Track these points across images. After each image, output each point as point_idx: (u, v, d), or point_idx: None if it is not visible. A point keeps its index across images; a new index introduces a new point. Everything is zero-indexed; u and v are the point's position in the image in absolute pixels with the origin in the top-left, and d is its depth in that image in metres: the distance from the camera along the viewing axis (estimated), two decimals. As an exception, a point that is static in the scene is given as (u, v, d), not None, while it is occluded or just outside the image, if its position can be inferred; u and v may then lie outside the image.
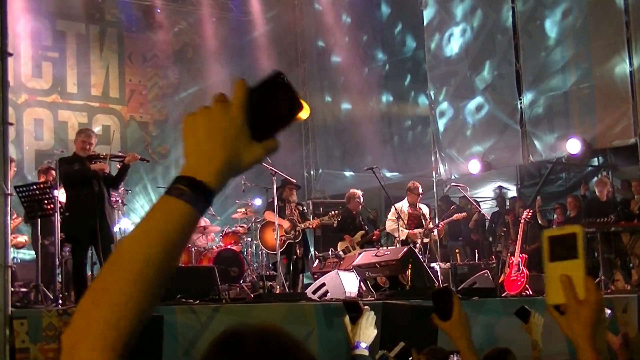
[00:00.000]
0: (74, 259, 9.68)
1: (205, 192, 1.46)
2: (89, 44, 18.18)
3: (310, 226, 13.23)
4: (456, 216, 13.95)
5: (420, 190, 13.48)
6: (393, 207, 13.15)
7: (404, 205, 13.30)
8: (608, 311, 4.63)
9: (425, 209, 13.57)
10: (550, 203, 16.34)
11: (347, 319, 3.18)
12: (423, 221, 13.14)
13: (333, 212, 13.47)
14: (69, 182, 9.79)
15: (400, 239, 12.83)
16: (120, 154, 11.25)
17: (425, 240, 12.99)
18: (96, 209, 9.69)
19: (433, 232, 13.14)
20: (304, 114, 1.53)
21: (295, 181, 13.28)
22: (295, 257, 12.89)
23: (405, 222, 13.01)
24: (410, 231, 12.88)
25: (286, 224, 12.87)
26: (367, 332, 3.15)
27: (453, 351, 5.28)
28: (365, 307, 3.26)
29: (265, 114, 1.49)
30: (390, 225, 13.20)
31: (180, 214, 1.44)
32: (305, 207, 13.67)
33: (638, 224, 13.13)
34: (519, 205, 15.55)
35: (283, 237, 12.78)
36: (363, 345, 3.12)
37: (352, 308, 3.24)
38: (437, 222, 14.24)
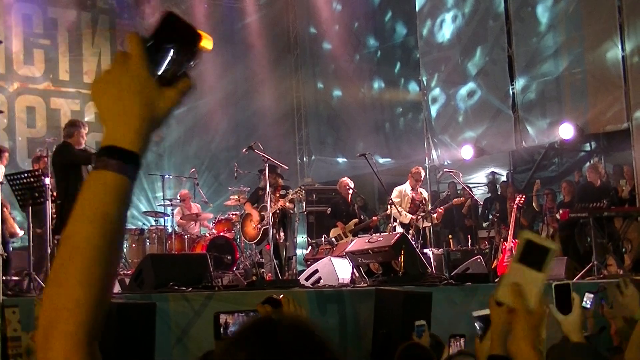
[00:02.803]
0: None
1: (130, 156, 1.46)
2: (81, 31, 18.08)
3: (279, 208, 13.02)
4: (455, 200, 13.93)
5: (422, 176, 13.54)
6: (395, 189, 13.18)
7: (407, 189, 13.30)
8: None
9: (425, 194, 13.60)
10: (543, 188, 16.36)
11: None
12: (422, 205, 13.14)
13: (298, 189, 13.45)
14: (70, 168, 9.72)
15: (403, 222, 12.83)
16: None
17: (426, 224, 12.98)
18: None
19: (433, 214, 13.10)
20: (207, 43, 1.51)
21: (279, 165, 12.98)
22: (280, 242, 12.89)
23: (408, 205, 13.04)
24: (413, 216, 12.87)
25: (256, 216, 12.98)
26: None
27: (455, 334, 5.27)
28: (281, 295, 3.21)
29: (166, 56, 1.48)
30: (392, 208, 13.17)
31: (109, 185, 1.44)
32: (289, 191, 13.44)
33: (630, 209, 13.16)
34: (511, 191, 15.56)
35: (259, 226, 12.89)
36: None
37: (275, 305, 3.17)
38: (431, 208, 14.15)
